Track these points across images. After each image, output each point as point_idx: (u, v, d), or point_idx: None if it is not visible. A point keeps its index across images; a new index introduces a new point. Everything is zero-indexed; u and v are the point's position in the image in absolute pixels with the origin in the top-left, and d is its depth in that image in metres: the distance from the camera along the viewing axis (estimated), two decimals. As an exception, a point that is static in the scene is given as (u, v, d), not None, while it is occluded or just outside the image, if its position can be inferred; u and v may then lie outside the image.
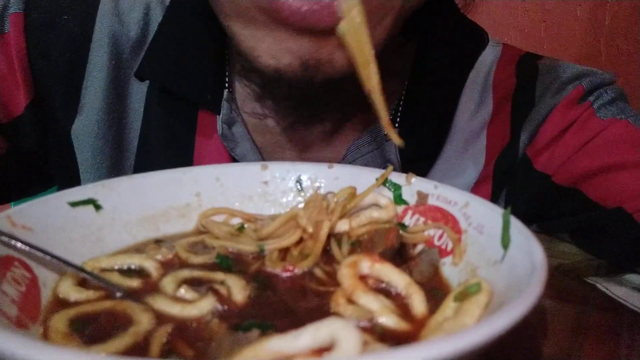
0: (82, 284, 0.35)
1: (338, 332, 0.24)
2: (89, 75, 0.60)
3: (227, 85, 0.61)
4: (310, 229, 0.41)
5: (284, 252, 0.41)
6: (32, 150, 0.63)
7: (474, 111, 0.63)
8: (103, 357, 0.19)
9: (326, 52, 0.44)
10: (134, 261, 0.39)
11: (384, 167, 0.47)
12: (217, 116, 0.60)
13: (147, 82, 0.62)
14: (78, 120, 0.61)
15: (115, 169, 0.63)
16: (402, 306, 0.34)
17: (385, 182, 0.46)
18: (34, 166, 0.65)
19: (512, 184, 0.63)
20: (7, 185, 0.66)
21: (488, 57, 0.65)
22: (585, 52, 1.27)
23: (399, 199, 0.45)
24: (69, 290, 0.34)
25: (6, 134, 0.61)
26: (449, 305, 0.31)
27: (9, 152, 0.62)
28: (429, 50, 0.62)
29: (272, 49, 0.45)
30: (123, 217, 0.43)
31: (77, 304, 0.33)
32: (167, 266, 0.39)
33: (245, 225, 0.46)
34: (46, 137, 0.62)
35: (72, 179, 0.62)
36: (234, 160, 0.61)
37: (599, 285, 0.49)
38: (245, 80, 0.60)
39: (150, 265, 0.38)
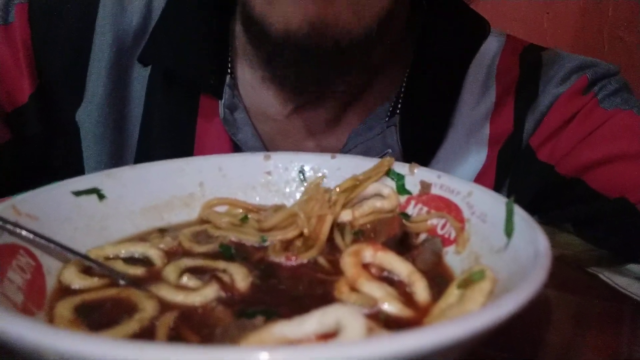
0: (87, 271, 0.35)
1: (344, 318, 0.24)
2: (92, 63, 0.61)
3: (229, 71, 0.61)
4: (306, 231, 0.41)
5: (287, 243, 0.41)
6: (35, 139, 0.63)
7: (477, 100, 0.63)
8: (112, 340, 0.19)
9: (331, 14, 0.47)
10: (138, 250, 0.39)
11: (385, 153, 0.48)
12: (219, 101, 0.60)
13: (149, 69, 0.62)
14: (82, 106, 0.61)
15: (116, 154, 0.63)
16: (405, 294, 0.34)
17: (388, 172, 0.46)
18: (36, 158, 0.65)
19: (515, 174, 0.63)
20: (8, 178, 0.66)
21: (492, 47, 0.65)
22: (588, 43, 1.26)
23: (402, 189, 0.45)
24: (73, 278, 0.34)
25: (10, 123, 0.61)
26: (452, 293, 0.31)
27: (11, 143, 0.63)
28: (431, 38, 0.62)
29: (282, 12, 0.48)
30: (127, 206, 0.43)
31: (81, 291, 0.34)
32: (171, 255, 0.39)
33: (249, 216, 0.46)
34: (50, 124, 0.63)
35: (75, 167, 0.63)
36: (235, 145, 0.61)
37: (601, 275, 0.49)
38: (252, 51, 0.60)
39: (154, 254, 0.38)
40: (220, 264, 0.37)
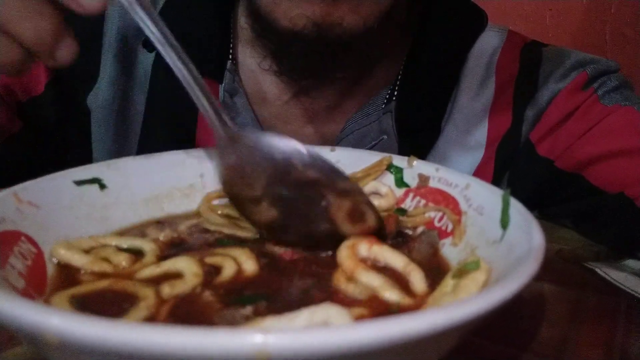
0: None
1: (332, 317, 0.25)
2: (104, 48, 0.64)
3: (230, 57, 0.63)
4: None
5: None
6: (50, 126, 0.65)
7: (475, 94, 0.64)
8: (123, 324, 0.19)
9: (337, 16, 0.49)
10: (136, 243, 0.38)
11: (380, 139, 0.48)
12: (220, 85, 0.61)
13: (152, 56, 0.64)
14: (93, 90, 0.64)
15: (120, 138, 0.65)
16: (401, 285, 0.34)
17: (387, 167, 0.47)
18: (47, 145, 0.67)
19: (515, 168, 0.63)
20: (18, 167, 0.67)
21: (492, 42, 0.65)
22: (590, 40, 1.26)
23: (400, 182, 0.46)
24: (66, 253, 0.35)
25: (24, 113, 0.64)
26: (447, 283, 0.32)
27: (21, 132, 0.64)
28: (428, 26, 0.63)
29: (288, 13, 0.49)
30: (128, 196, 0.43)
31: (79, 279, 0.34)
32: (168, 246, 0.39)
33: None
34: (64, 111, 0.65)
35: (84, 152, 0.65)
36: None
37: (598, 270, 0.49)
38: (258, 42, 0.61)
39: (148, 247, 0.38)
40: (219, 251, 0.37)
